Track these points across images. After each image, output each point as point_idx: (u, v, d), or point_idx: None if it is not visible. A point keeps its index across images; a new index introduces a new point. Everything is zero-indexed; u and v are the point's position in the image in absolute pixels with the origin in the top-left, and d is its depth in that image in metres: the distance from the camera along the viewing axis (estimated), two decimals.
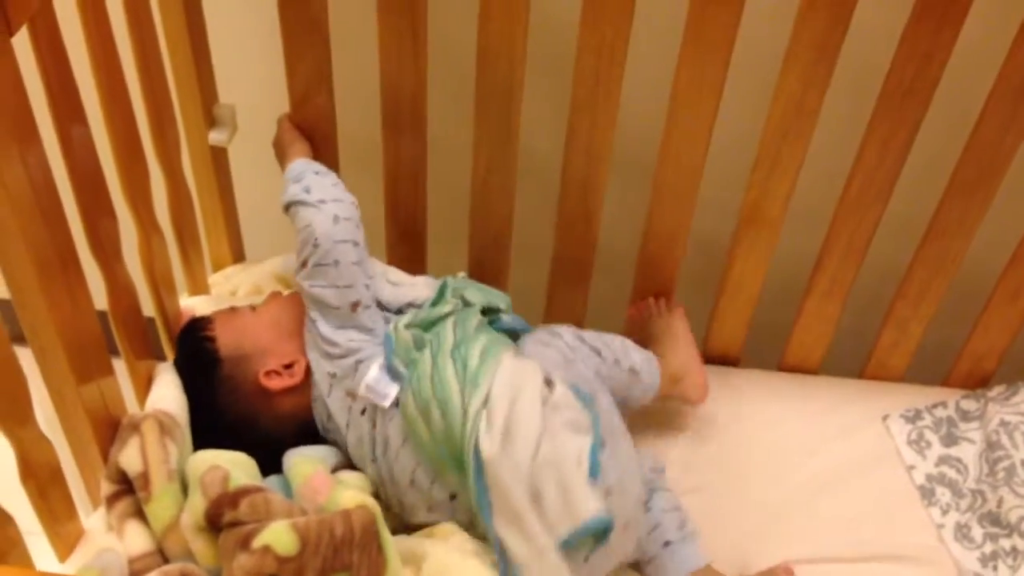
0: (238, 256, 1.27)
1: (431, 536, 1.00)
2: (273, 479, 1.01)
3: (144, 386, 1.08)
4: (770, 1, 1.09)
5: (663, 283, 1.24)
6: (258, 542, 0.87)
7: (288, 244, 1.31)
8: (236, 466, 0.96)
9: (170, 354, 1.14)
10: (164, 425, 1.01)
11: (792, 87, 1.07)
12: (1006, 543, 1.13)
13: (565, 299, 1.28)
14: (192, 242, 1.18)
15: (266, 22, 1.12)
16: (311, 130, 1.17)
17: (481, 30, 1.08)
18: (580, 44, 1.07)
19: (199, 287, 1.21)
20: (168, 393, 1.05)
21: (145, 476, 0.98)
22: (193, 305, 1.16)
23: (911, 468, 1.20)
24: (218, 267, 1.25)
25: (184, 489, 0.99)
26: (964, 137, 1.09)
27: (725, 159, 1.20)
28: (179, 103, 1.13)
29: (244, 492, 0.92)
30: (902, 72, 1.05)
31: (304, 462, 1.00)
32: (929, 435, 1.23)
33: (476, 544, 0.98)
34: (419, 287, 1.12)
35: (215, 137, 1.16)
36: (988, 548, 1.14)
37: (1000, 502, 1.15)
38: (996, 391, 1.24)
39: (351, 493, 0.96)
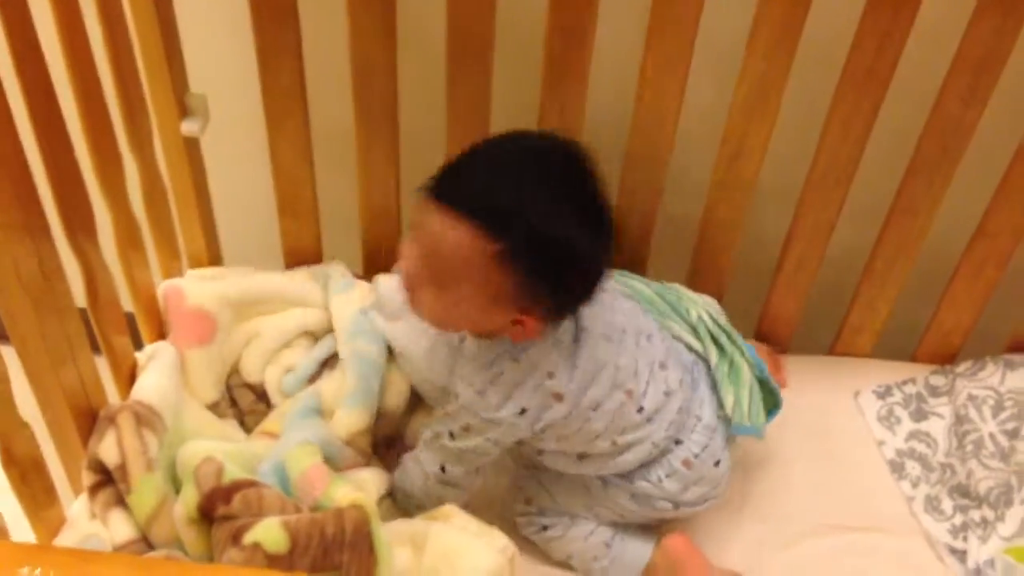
0: (212, 244, 1.26)
1: (433, 519, 1.01)
2: (268, 470, 1.01)
3: (126, 376, 1.09)
4: None
5: (636, 260, 1.25)
6: (248, 539, 0.88)
7: (258, 231, 1.32)
8: (230, 458, 0.97)
9: (149, 341, 1.15)
10: (141, 416, 1.01)
11: (757, 66, 1.08)
12: (975, 514, 1.16)
13: None
14: (167, 232, 1.18)
15: (237, 10, 1.12)
16: (284, 119, 1.17)
17: (450, 15, 1.09)
18: (549, 26, 1.08)
19: (174, 275, 1.22)
20: (151, 382, 1.05)
21: (123, 468, 0.98)
22: (180, 285, 1.16)
23: (881, 443, 1.23)
24: (193, 256, 1.25)
25: (170, 477, 1.00)
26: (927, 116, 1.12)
27: (694, 139, 1.21)
28: (150, 93, 1.12)
29: (237, 486, 0.93)
30: (862, 51, 1.06)
31: (302, 452, 1.01)
32: (899, 411, 1.25)
33: (479, 525, 0.99)
34: None
35: (187, 127, 1.16)
36: (958, 519, 1.16)
37: (969, 474, 1.18)
38: (963, 367, 1.26)
39: (347, 489, 0.97)
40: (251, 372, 1.17)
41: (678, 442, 1.05)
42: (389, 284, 1.17)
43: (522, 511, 1.12)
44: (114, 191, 1.07)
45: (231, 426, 1.13)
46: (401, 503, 1.08)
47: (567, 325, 0.99)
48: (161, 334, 1.18)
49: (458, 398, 0.99)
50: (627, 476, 1.06)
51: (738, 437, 1.10)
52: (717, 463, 1.07)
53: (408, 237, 0.95)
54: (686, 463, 1.05)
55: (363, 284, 1.22)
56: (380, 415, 1.12)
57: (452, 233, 0.88)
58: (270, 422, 1.12)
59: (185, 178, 1.19)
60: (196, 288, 1.15)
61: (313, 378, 1.17)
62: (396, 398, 1.14)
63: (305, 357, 1.18)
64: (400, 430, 1.17)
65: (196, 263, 1.25)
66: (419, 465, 1.05)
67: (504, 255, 0.88)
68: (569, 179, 0.90)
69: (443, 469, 1.03)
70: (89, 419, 1.01)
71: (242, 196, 1.32)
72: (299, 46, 1.13)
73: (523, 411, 0.98)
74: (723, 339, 1.11)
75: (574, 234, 0.90)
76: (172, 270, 1.21)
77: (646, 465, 1.06)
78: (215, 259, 1.27)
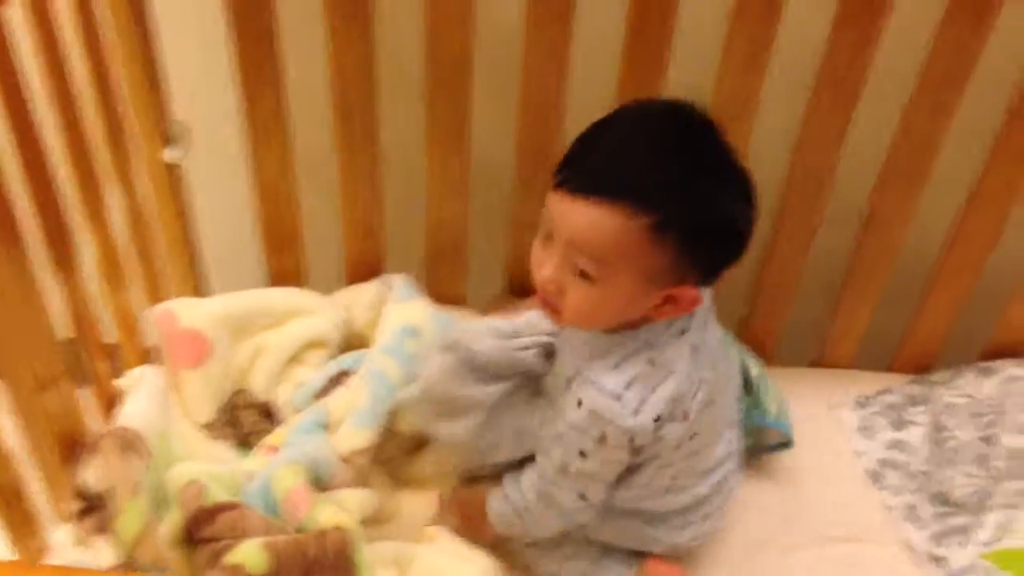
0: (197, 270, 1.28)
1: (419, 540, 1.01)
2: (255, 490, 1.02)
3: (109, 403, 1.10)
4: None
5: None
6: (230, 559, 0.89)
7: (242, 256, 1.34)
8: (217, 481, 0.98)
9: (130, 368, 1.16)
10: (126, 441, 1.03)
11: (733, 79, 1.11)
12: (955, 521, 1.17)
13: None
14: (152, 259, 1.20)
15: (217, 37, 1.14)
16: (266, 144, 1.19)
17: (428, 38, 1.11)
18: (526, 45, 1.10)
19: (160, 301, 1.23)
20: (137, 408, 1.06)
21: (109, 493, 0.99)
22: (171, 308, 1.17)
23: (860, 454, 1.24)
24: (178, 282, 1.26)
25: (157, 501, 1.01)
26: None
27: None
28: (134, 121, 1.14)
29: (221, 508, 0.94)
30: (836, 59, 1.09)
31: (287, 472, 1.02)
32: (878, 421, 1.26)
33: (464, 546, 0.99)
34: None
35: (170, 154, 1.17)
36: (938, 527, 1.18)
37: (947, 482, 1.19)
38: (940, 375, 1.28)
39: (330, 511, 0.98)
40: (259, 390, 1.19)
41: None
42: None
43: None
44: (97, 219, 1.08)
45: (223, 447, 1.14)
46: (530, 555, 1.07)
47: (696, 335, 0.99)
48: (143, 360, 1.19)
49: (580, 406, 0.95)
50: (654, 514, 1.05)
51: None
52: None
53: (539, 244, 0.94)
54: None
55: (423, 299, 1.22)
56: (389, 434, 1.13)
57: (602, 219, 0.87)
58: (274, 436, 1.13)
59: (168, 205, 1.21)
60: (188, 309, 1.16)
61: (323, 393, 1.17)
62: (407, 422, 1.14)
63: (316, 372, 1.19)
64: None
65: (181, 289, 1.26)
66: (550, 508, 1.01)
67: (658, 228, 0.87)
68: (699, 142, 0.91)
69: (583, 497, 1.00)
70: (72, 446, 1.02)
71: (225, 222, 1.34)
72: (280, 71, 1.14)
73: (658, 419, 0.95)
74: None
75: (718, 194, 0.89)
76: (157, 296, 1.22)
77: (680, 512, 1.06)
78: (200, 284, 1.28)
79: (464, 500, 1.10)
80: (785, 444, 1.20)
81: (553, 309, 0.96)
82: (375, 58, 1.14)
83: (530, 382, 1.15)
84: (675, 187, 0.88)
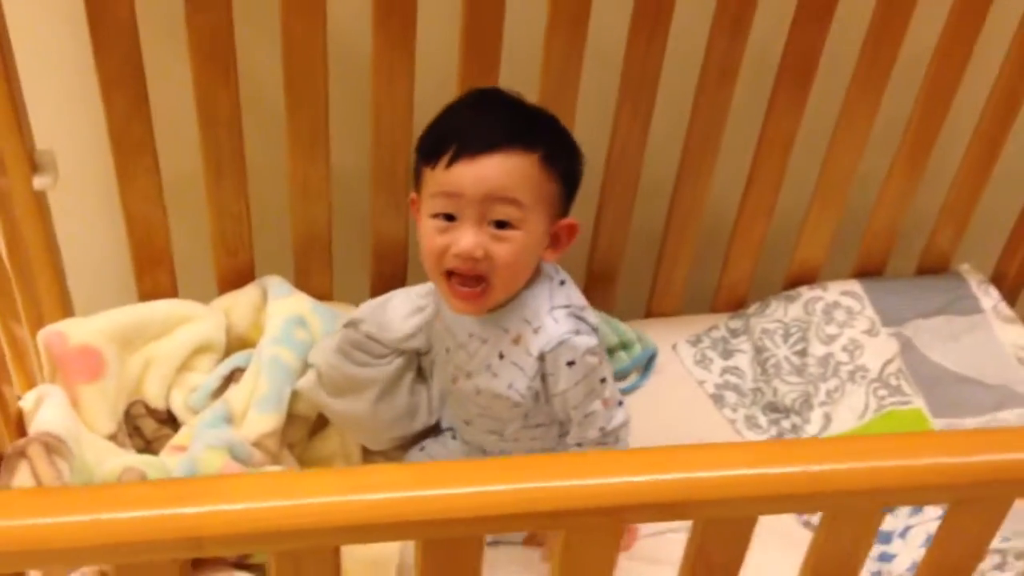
0: (64, 294, 1.29)
1: None
2: (183, 476, 1.06)
3: (13, 422, 1.11)
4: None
5: None
6: None
7: (109, 278, 1.37)
8: (150, 467, 1.02)
9: (23, 390, 1.17)
10: (50, 446, 1.05)
11: (552, 89, 1.28)
12: (786, 423, 1.38)
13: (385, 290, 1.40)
14: (29, 283, 1.22)
15: (79, 68, 1.19)
16: (134, 171, 1.24)
17: (285, 59, 1.21)
18: (374, 51, 1.22)
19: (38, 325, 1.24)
20: (52, 415, 1.08)
21: None
22: (59, 328, 1.19)
23: (701, 382, 1.43)
24: (48, 306, 1.27)
25: None
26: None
27: None
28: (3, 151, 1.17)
29: None
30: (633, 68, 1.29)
31: (211, 454, 1.07)
32: (710, 353, 1.46)
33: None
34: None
35: (39, 182, 1.20)
36: (774, 430, 1.38)
37: (775, 392, 1.40)
38: (753, 308, 1.49)
39: None
40: (154, 398, 1.22)
41: None
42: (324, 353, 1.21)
43: None
44: None
45: (133, 456, 1.17)
46: None
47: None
48: (32, 385, 1.20)
49: (572, 365, 1.06)
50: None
51: None
52: None
53: (437, 232, 1.04)
54: None
55: (301, 294, 1.30)
56: (290, 419, 1.20)
57: (511, 165, 1.02)
58: (180, 437, 1.18)
59: (38, 232, 1.23)
60: (77, 327, 1.19)
61: (219, 392, 1.22)
62: (306, 405, 1.22)
63: (209, 374, 1.24)
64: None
65: (54, 313, 1.27)
66: (618, 442, 1.12)
67: (545, 160, 1.04)
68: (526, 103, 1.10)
69: (620, 403, 1.13)
70: None
71: (93, 245, 1.36)
72: (145, 95, 1.20)
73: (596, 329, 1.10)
74: None
75: (565, 131, 1.09)
76: (35, 321, 1.24)
77: None
78: (67, 308, 1.30)
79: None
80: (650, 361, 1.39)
81: (471, 296, 1.05)
82: (237, 81, 1.22)
83: (415, 360, 1.26)
84: (542, 126, 1.06)
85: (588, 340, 1.08)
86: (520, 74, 1.28)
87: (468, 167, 1.02)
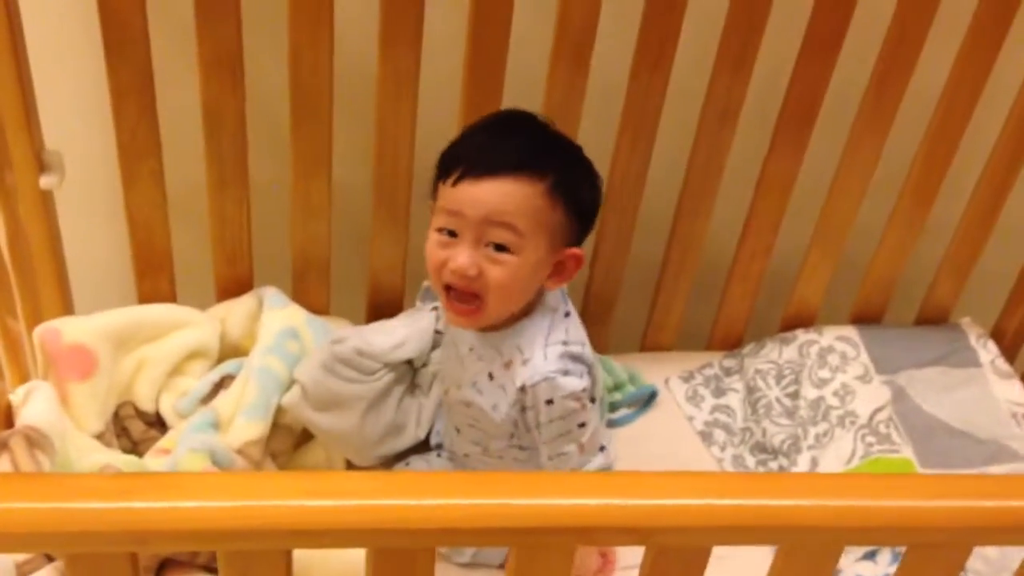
0: (65, 294, 1.32)
1: None
2: (165, 470, 1.08)
3: (2, 415, 1.13)
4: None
5: None
6: None
7: (109, 280, 1.39)
8: (130, 467, 1.03)
9: (15, 385, 1.19)
10: (32, 439, 1.06)
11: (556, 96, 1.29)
12: (774, 464, 1.37)
13: (381, 316, 1.42)
14: (29, 281, 1.24)
15: (91, 73, 1.22)
16: (139, 176, 1.27)
17: (292, 75, 1.23)
18: (380, 72, 1.24)
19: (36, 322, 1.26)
20: (38, 409, 1.10)
21: None
22: (55, 325, 1.21)
23: (691, 419, 1.43)
24: (48, 305, 1.29)
25: None
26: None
27: None
28: (11, 151, 1.20)
29: None
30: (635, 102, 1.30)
31: (193, 458, 1.09)
32: (702, 390, 1.46)
33: None
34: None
35: (46, 182, 1.23)
36: (762, 471, 1.37)
37: (764, 432, 1.39)
38: (748, 348, 1.49)
39: None
40: (143, 400, 1.24)
41: None
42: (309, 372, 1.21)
43: None
44: None
45: (117, 454, 1.19)
46: None
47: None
48: (24, 380, 1.22)
49: (551, 404, 1.07)
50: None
51: None
52: None
53: (438, 246, 1.06)
54: None
55: (296, 306, 1.31)
56: (276, 429, 1.21)
57: (512, 190, 1.03)
58: (166, 440, 1.19)
59: (42, 230, 1.26)
60: (72, 325, 1.21)
61: (208, 398, 1.24)
62: (292, 416, 1.23)
63: (200, 380, 1.25)
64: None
65: (52, 312, 1.30)
66: None
67: (553, 189, 1.04)
68: (553, 129, 1.11)
69: (602, 449, 1.12)
70: None
71: (96, 250, 1.39)
72: (153, 102, 1.23)
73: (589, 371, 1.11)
74: None
75: (582, 160, 1.09)
76: (32, 318, 1.26)
77: None
78: (67, 307, 1.32)
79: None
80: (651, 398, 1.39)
81: (465, 311, 1.07)
82: (244, 87, 1.25)
83: (407, 376, 1.27)
84: (555, 154, 1.07)
85: (573, 383, 1.08)
86: (523, 100, 1.29)
87: (471, 188, 1.04)
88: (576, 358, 1.10)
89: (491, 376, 1.12)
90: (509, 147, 1.07)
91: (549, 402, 1.08)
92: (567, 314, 1.13)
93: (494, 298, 1.07)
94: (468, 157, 1.06)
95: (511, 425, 1.12)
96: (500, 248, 1.05)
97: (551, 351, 1.09)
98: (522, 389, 1.09)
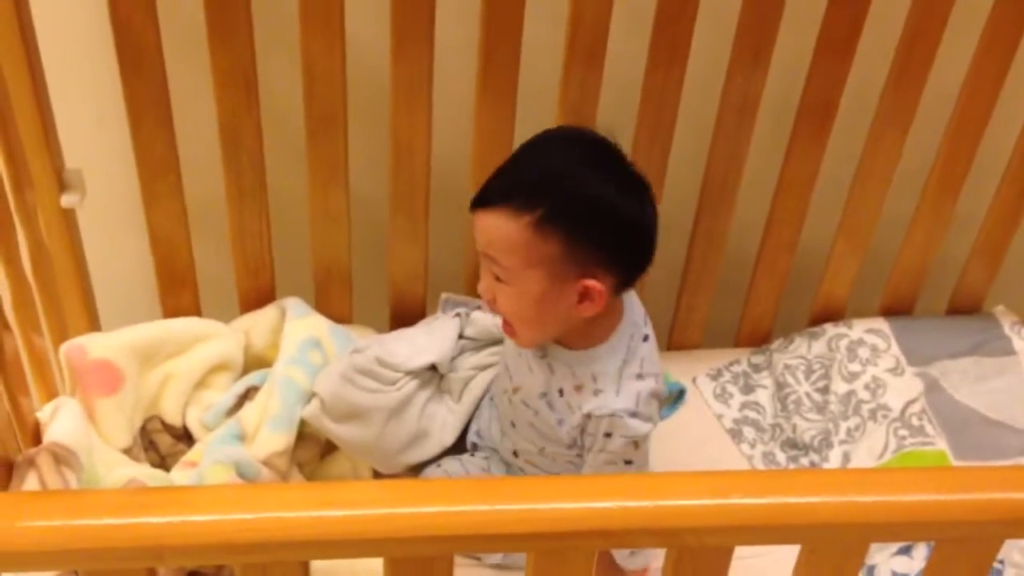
0: (91, 311, 1.33)
1: None
2: (191, 483, 1.08)
3: (30, 433, 1.14)
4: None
5: None
6: None
7: (135, 296, 1.40)
8: (155, 481, 1.04)
9: (43, 402, 1.20)
10: (59, 456, 1.07)
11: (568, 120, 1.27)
12: (804, 460, 1.35)
13: (404, 324, 1.41)
14: (53, 299, 1.25)
15: (109, 91, 1.23)
16: (159, 192, 1.28)
17: (306, 88, 1.24)
18: (393, 80, 1.24)
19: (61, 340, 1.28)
20: (65, 426, 1.11)
21: None
22: (80, 342, 1.22)
23: (720, 416, 1.41)
24: (74, 323, 1.31)
25: None
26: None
27: None
28: (32, 169, 1.21)
29: None
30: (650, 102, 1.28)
31: (216, 469, 1.09)
32: (730, 388, 1.44)
33: None
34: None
35: (67, 200, 1.24)
36: (793, 467, 1.35)
37: (794, 428, 1.38)
38: (776, 344, 1.47)
39: None
40: (170, 414, 1.25)
41: None
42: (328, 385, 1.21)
43: None
44: (10, 259, 1.14)
45: (145, 468, 1.20)
46: None
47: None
48: (52, 397, 1.23)
49: (610, 438, 1.07)
50: None
51: None
52: None
53: (482, 267, 1.06)
54: None
55: (319, 315, 1.32)
56: (301, 439, 1.22)
57: (495, 224, 1.01)
58: (192, 453, 1.20)
59: (66, 248, 1.27)
60: (97, 342, 1.22)
61: (234, 411, 1.24)
62: (312, 428, 1.23)
63: (225, 392, 1.26)
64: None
65: (78, 329, 1.31)
66: None
67: (541, 222, 0.99)
68: (595, 154, 1.03)
69: None
70: (4, 469, 1.06)
71: (120, 267, 1.40)
72: (170, 118, 1.24)
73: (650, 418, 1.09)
74: None
75: (607, 191, 1.01)
76: (58, 335, 1.27)
77: None
78: (94, 324, 1.33)
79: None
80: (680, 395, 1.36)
81: (505, 331, 1.09)
82: (259, 105, 1.25)
83: (431, 382, 1.27)
84: (554, 181, 1.02)
85: (638, 427, 1.08)
86: (538, 103, 1.29)
87: (476, 218, 1.05)
88: (650, 398, 1.09)
89: (561, 392, 1.11)
90: (505, 177, 1.05)
91: (608, 435, 1.08)
92: (645, 338, 1.12)
93: (516, 323, 1.08)
94: (484, 184, 1.06)
95: (572, 440, 1.13)
96: (498, 278, 1.05)
97: (625, 387, 1.08)
98: (587, 415, 1.09)
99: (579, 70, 1.25)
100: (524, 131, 1.28)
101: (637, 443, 1.09)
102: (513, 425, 1.18)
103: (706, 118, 1.33)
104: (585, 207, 1.02)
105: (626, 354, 1.08)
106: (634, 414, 1.07)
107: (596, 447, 1.09)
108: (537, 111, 1.29)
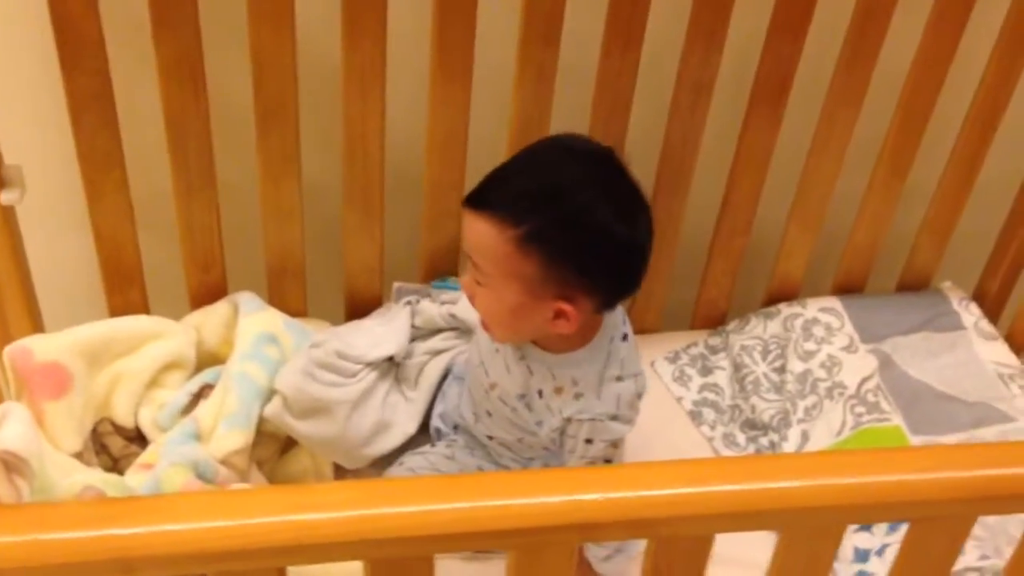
0: (34, 311, 1.28)
1: None
2: (146, 493, 1.05)
3: None
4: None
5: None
6: None
7: (79, 295, 1.36)
8: (110, 486, 1.01)
9: (5, 397, 1.16)
10: (9, 463, 1.03)
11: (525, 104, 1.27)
12: (764, 440, 1.36)
13: (359, 316, 1.39)
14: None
15: (48, 84, 1.19)
16: (104, 188, 1.23)
17: (256, 77, 1.20)
18: (345, 69, 1.21)
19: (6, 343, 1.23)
20: (14, 432, 1.06)
21: None
22: (25, 344, 1.18)
23: (679, 399, 1.42)
24: (16, 323, 1.26)
25: None
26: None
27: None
28: None
29: None
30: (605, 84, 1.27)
31: (174, 471, 1.06)
32: (688, 370, 1.45)
33: None
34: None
35: (7, 197, 1.19)
36: (751, 448, 1.36)
37: (753, 409, 1.38)
38: (732, 325, 1.48)
39: None
40: (122, 415, 1.21)
41: None
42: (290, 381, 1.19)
43: None
44: None
45: (97, 473, 1.16)
46: None
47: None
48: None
49: (591, 443, 1.06)
50: None
51: None
52: None
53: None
54: None
55: (273, 309, 1.28)
56: (260, 436, 1.19)
57: (482, 230, 0.99)
58: (147, 454, 1.16)
59: (5, 247, 1.22)
60: (43, 344, 1.18)
61: (188, 410, 1.21)
62: (271, 425, 1.20)
63: (178, 391, 1.22)
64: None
65: (20, 330, 1.26)
66: None
67: (524, 239, 0.97)
68: (596, 172, 0.99)
69: None
70: None
71: (63, 265, 1.36)
72: (114, 112, 1.20)
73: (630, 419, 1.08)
74: None
75: (600, 216, 0.97)
76: (1, 337, 1.23)
77: None
78: (37, 325, 1.29)
79: None
80: None
81: (487, 327, 1.08)
82: (207, 96, 1.21)
83: (389, 372, 1.25)
84: (546, 199, 0.99)
85: (618, 430, 1.08)
86: (493, 88, 1.28)
87: (465, 215, 1.03)
88: (631, 400, 1.08)
89: (541, 394, 1.10)
90: (500, 183, 1.02)
91: (588, 441, 1.08)
92: (624, 336, 1.11)
93: (490, 324, 1.07)
94: (480, 183, 1.04)
95: (551, 440, 1.13)
96: (477, 279, 1.04)
97: (606, 390, 1.07)
98: (568, 419, 1.08)
99: (535, 53, 1.24)
100: (480, 118, 1.28)
101: (617, 445, 1.09)
102: (489, 415, 1.18)
103: (662, 100, 1.32)
104: (572, 232, 0.99)
105: (606, 357, 1.08)
106: (615, 417, 1.07)
107: (578, 451, 1.08)
108: (492, 97, 1.28)
